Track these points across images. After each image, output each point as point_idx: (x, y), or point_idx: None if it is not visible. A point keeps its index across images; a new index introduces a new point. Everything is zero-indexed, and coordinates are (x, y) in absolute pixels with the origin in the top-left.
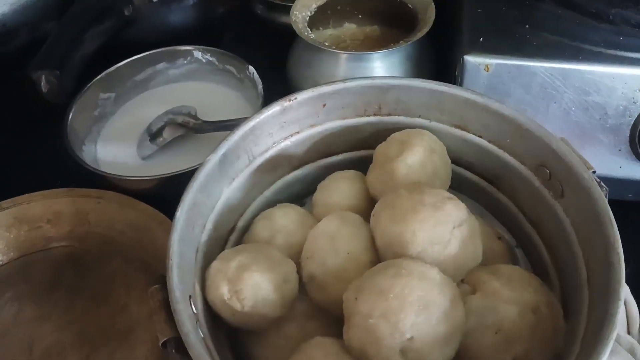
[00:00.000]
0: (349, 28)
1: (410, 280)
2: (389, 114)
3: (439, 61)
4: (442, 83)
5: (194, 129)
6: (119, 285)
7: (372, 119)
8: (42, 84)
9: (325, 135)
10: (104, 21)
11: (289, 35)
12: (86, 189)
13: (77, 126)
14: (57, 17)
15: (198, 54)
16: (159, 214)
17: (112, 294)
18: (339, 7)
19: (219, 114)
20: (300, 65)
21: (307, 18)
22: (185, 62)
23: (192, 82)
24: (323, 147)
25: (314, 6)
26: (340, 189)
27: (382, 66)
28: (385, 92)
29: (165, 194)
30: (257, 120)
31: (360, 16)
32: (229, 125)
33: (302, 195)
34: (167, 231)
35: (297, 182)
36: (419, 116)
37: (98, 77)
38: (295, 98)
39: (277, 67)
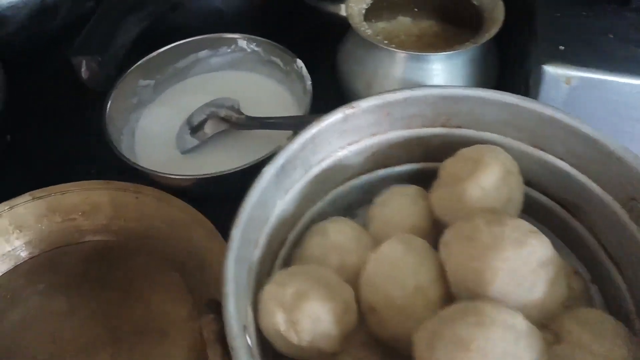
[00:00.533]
0: (403, 22)
1: (495, 331)
2: (459, 127)
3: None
4: (523, 97)
5: (237, 124)
6: (153, 283)
7: (438, 130)
8: (83, 70)
9: (385, 146)
10: (146, 5)
11: (337, 26)
12: (124, 182)
13: (115, 114)
14: None
15: (243, 43)
16: (197, 213)
17: (145, 292)
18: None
19: (262, 108)
20: (352, 61)
21: (363, 11)
22: (229, 50)
23: (235, 71)
24: (382, 158)
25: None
26: (401, 207)
27: (442, 69)
28: (457, 103)
29: (205, 193)
30: (318, 128)
31: (416, 9)
32: (275, 123)
33: (355, 206)
34: (205, 230)
35: (350, 193)
36: (492, 131)
37: (138, 63)
38: (359, 105)
39: (323, 58)
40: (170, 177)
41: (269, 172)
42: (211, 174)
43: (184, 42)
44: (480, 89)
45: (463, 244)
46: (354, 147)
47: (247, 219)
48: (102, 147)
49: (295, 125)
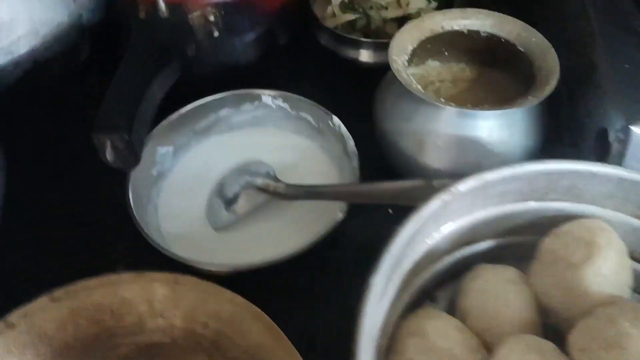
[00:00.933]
0: (432, 66)
1: None
2: (555, 200)
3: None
4: (635, 171)
5: (277, 194)
6: None
7: (532, 205)
8: (107, 151)
9: (473, 224)
10: (168, 65)
11: (357, 71)
12: (157, 273)
13: (137, 192)
14: (92, 44)
15: (267, 99)
16: (250, 305)
17: None
18: (429, 46)
19: (297, 171)
20: (398, 118)
21: (406, 62)
22: (252, 107)
23: (259, 128)
24: (467, 237)
25: (410, 48)
26: (506, 297)
27: (493, 125)
28: (560, 178)
29: (254, 279)
30: (418, 222)
31: (446, 53)
32: (323, 193)
33: (432, 289)
34: (262, 324)
35: (431, 277)
36: (590, 203)
37: (156, 129)
38: (457, 190)
39: (342, 103)
40: (216, 268)
41: (376, 285)
42: (263, 263)
43: (203, 102)
44: (589, 162)
45: (612, 354)
46: (443, 232)
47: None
48: (128, 230)
49: (348, 195)
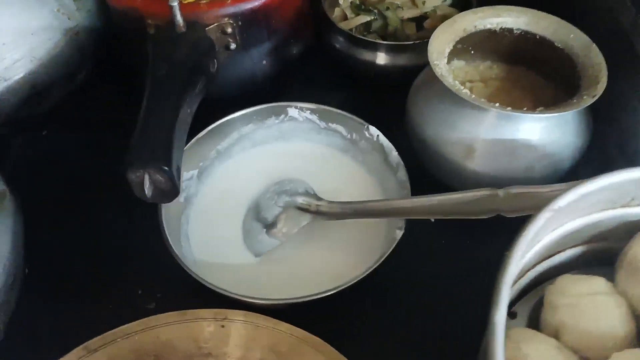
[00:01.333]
0: (458, 66)
1: None
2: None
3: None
4: None
5: (321, 213)
6: None
7: (617, 212)
8: (146, 187)
9: (561, 236)
10: (194, 84)
11: (375, 75)
12: (202, 309)
13: (169, 223)
14: (93, 65)
15: (294, 112)
16: (310, 336)
17: None
18: (459, 45)
19: (330, 184)
20: (442, 124)
21: (447, 66)
22: (277, 121)
23: (283, 142)
24: (552, 249)
25: (447, 50)
26: (599, 310)
27: (546, 126)
28: None
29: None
30: (524, 246)
31: (472, 52)
32: (372, 211)
33: (510, 305)
34: (326, 357)
35: (514, 294)
36: None
37: None
38: (558, 205)
39: (362, 110)
40: (273, 302)
41: (500, 322)
42: (318, 294)
43: (227, 120)
44: None
45: None
46: (535, 248)
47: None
48: (151, 264)
49: (402, 211)
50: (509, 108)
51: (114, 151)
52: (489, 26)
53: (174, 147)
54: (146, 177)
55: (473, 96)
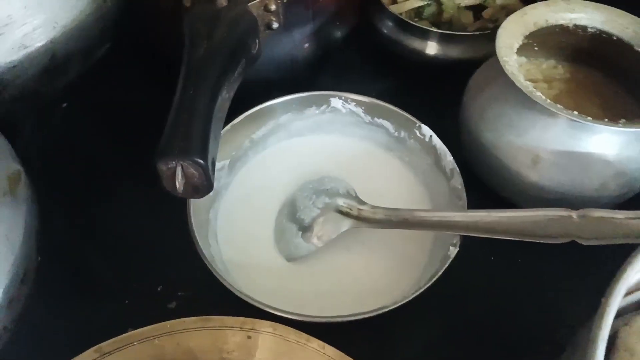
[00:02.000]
0: (519, 62)
1: None
2: None
3: None
4: None
5: (364, 219)
6: None
7: None
8: (178, 181)
9: None
10: (233, 68)
11: (424, 67)
12: (228, 316)
13: (198, 218)
14: (117, 40)
15: (337, 103)
16: (344, 358)
17: None
18: (524, 41)
19: (373, 186)
20: (504, 128)
21: (516, 64)
22: (318, 111)
23: (322, 135)
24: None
25: (515, 45)
26: None
27: (626, 141)
28: None
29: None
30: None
31: (536, 48)
32: (423, 221)
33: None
34: None
35: None
36: None
37: None
38: None
39: (409, 104)
40: (307, 319)
41: None
42: (359, 314)
43: (264, 107)
44: None
45: None
46: None
47: None
48: (175, 262)
49: (459, 226)
50: (589, 118)
51: (135, 135)
52: (561, 21)
53: (210, 138)
54: (178, 169)
55: (548, 100)
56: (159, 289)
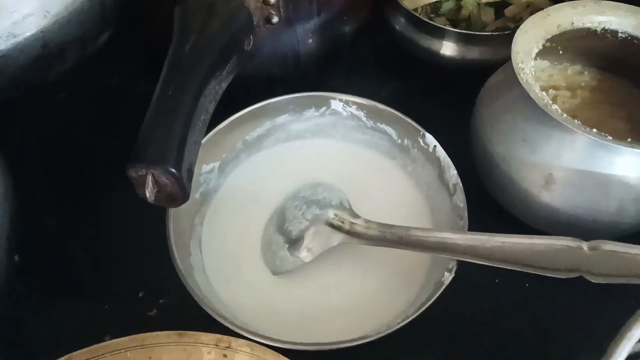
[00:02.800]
0: (541, 67)
1: None
2: None
3: None
4: None
5: (356, 235)
6: None
7: None
8: (148, 189)
9: None
10: (222, 66)
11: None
12: (204, 333)
13: (179, 225)
14: (114, 28)
15: (338, 105)
16: None
17: None
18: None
19: (371, 195)
20: (517, 142)
21: (533, 71)
22: (317, 114)
23: (321, 139)
24: None
25: (535, 50)
26: None
27: (635, 162)
28: None
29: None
30: None
31: (560, 52)
32: (420, 242)
33: None
34: None
35: None
36: None
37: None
38: None
39: (418, 109)
40: (290, 346)
41: None
42: (345, 342)
43: (259, 107)
44: None
45: None
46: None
47: None
48: (153, 270)
49: (458, 250)
50: (609, 137)
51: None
52: (588, 25)
53: (187, 143)
54: (149, 177)
55: (565, 116)
56: (140, 294)
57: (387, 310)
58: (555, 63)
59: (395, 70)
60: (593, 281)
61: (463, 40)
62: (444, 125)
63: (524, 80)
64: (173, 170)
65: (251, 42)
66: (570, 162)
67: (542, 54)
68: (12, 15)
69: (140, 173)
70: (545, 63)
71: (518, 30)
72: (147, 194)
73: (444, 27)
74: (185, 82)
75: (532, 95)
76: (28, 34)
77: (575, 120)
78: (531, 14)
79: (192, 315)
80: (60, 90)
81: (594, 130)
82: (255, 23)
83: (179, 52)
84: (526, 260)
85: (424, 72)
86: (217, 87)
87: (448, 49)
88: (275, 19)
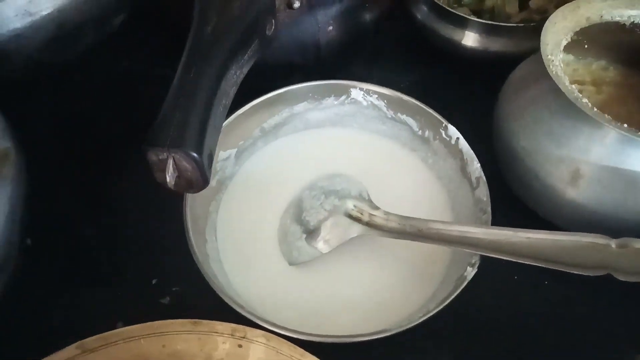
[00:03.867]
0: (565, 61)
1: None
2: None
3: None
4: None
5: (375, 226)
6: None
7: None
8: (169, 174)
9: None
10: (243, 50)
11: (461, 59)
12: (219, 322)
13: (195, 212)
14: (131, 9)
15: (358, 94)
16: None
17: None
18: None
19: (390, 187)
20: (543, 136)
21: (561, 64)
22: (336, 102)
23: (340, 128)
24: None
25: (563, 42)
26: None
27: None
28: None
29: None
30: None
31: (586, 46)
32: (440, 235)
33: None
34: None
35: None
36: None
37: None
38: None
39: (439, 100)
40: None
41: None
42: (363, 335)
43: (277, 94)
44: None
45: None
46: None
47: None
48: (168, 258)
49: (481, 245)
50: None
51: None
52: (617, 18)
53: (208, 127)
54: (170, 161)
55: (595, 110)
56: (154, 282)
57: (404, 304)
58: (580, 57)
59: (416, 60)
60: (621, 279)
61: (486, 31)
62: (464, 117)
63: (554, 72)
64: (194, 154)
65: (273, 26)
66: (599, 157)
67: (568, 47)
68: None
69: (160, 157)
70: (570, 57)
71: (547, 21)
72: (168, 179)
73: (467, 16)
74: (206, 65)
75: (562, 88)
76: (44, 12)
77: (606, 115)
78: (556, 6)
79: (206, 304)
80: (74, 72)
81: (625, 125)
82: (277, 6)
83: (200, 34)
84: (552, 257)
85: (446, 62)
86: (239, 71)
87: (470, 39)
88: (296, 4)
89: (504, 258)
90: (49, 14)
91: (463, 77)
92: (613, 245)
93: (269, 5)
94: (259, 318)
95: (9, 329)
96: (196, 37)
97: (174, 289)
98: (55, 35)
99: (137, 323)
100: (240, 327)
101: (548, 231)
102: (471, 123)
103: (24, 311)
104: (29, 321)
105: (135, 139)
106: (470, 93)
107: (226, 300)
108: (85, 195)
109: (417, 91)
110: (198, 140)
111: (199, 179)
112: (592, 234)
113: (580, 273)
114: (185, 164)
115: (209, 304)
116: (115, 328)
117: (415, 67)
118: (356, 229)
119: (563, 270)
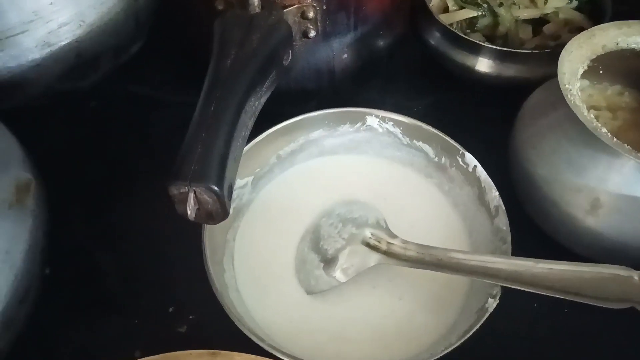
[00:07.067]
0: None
1: None
2: None
3: None
4: None
5: (393, 256)
6: None
7: None
8: (189, 207)
9: None
10: (262, 81)
11: (474, 85)
12: (238, 353)
13: (214, 240)
14: (147, 38)
15: (373, 121)
16: None
17: None
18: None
19: (405, 214)
20: (561, 164)
21: (579, 92)
22: (352, 129)
23: (355, 155)
24: None
25: (580, 71)
26: None
27: None
28: None
29: None
30: None
31: (601, 71)
32: (460, 266)
33: None
34: None
35: None
36: None
37: None
38: None
39: (453, 126)
40: None
41: None
42: None
43: (294, 122)
44: None
45: None
46: None
47: None
48: (185, 285)
49: (502, 275)
50: None
51: (160, 140)
52: (633, 45)
53: (228, 160)
54: (191, 195)
55: (615, 140)
56: (170, 310)
57: (424, 334)
58: (595, 82)
59: (429, 85)
60: None
61: (500, 57)
62: (479, 144)
63: (572, 102)
64: (215, 187)
65: (290, 57)
66: (618, 186)
67: (583, 73)
68: (48, 25)
69: (182, 190)
70: (585, 82)
71: (563, 50)
72: (189, 212)
73: (480, 42)
74: (226, 98)
75: (580, 117)
76: (63, 43)
77: (626, 145)
78: (569, 32)
79: (223, 333)
80: (91, 98)
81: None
82: (294, 39)
83: (220, 67)
84: (573, 289)
85: (459, 88)
86: (257, 102)
87: (484, 65)
88: (312, 33)
89: (525, 289)
90: (67, 44)
91: (477, 103)
92: (636, 278)
93: (287, 36)
94: (278, 350)
95: (26, 358)
96: (215, 71)
97: (190, 317)
98: (73, 64)
99: (154, 352)
100: (260, 358)
101: (569, 262)
102: (485, 149)
103: (41, 340)
104: (45, 351)
105: (152, 166)
106: (484, 118)
107: (245, 332)
108: (101, 222)
109: (430, 116)
110: (219, 173)
111: (219, 211)
112: (614, 266)
113: (604, 305)
114: (206, 197)
115: (226, 333)
116: (133, 357)
117: (428, 92)
118: (374, 258)
119: (585, 302)
